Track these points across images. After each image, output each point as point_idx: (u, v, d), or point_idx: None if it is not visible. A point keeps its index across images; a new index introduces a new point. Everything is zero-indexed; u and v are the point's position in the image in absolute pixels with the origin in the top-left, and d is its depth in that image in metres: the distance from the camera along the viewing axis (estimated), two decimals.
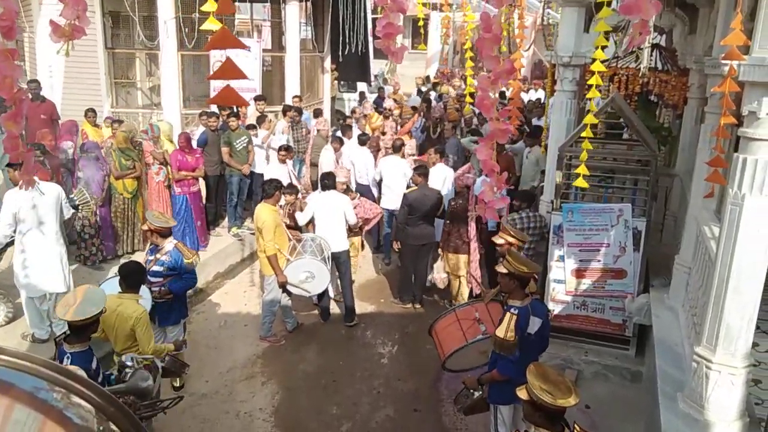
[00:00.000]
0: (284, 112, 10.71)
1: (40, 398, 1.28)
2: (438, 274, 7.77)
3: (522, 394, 3.09)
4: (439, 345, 5.13)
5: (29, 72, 11.75)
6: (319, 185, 7.30)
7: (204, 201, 8.92)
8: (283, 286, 6.69)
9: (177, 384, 5.51)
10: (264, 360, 6.65)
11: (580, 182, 3.78)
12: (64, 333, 4.07)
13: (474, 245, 7.18)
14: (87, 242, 7.48)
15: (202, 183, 8.88)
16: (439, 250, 7.56)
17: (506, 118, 4.05)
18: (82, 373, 2.76)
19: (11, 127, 3.23)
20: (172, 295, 5.42)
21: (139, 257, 6.94)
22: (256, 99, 10.57)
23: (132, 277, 4.74)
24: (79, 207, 7.19)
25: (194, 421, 5.55)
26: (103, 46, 10.60)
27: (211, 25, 2.49)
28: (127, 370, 4.02)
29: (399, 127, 11.26)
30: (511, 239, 5.12)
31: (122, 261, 7.88)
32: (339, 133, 10.53)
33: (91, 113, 9.44)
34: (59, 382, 1.31)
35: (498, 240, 5.21)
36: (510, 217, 6.65)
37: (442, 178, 8.25)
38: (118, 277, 4.84)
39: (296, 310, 7.41)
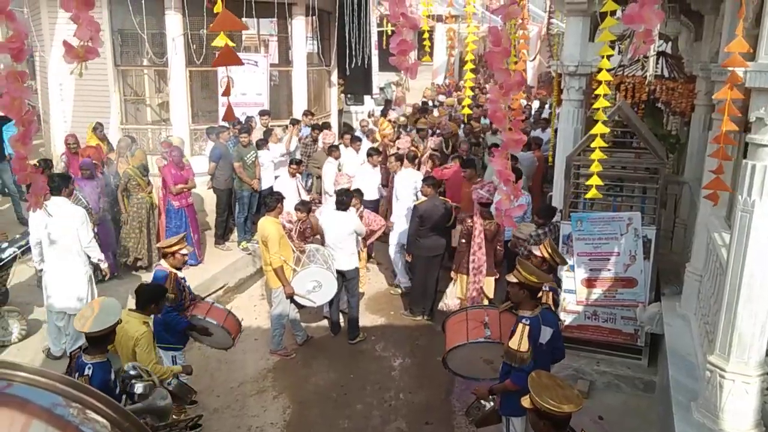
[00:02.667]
0: (293, 124, 10.79)
1: (57, 414, 1.30)
2: (450, 300, 7.27)
3: (526, 402, 3.09)
4: (445, 340, 5.13)
5: (40, 91, 11.90)
6: (335, 202, 7.19)
7: (197, 215, 8.96)
8: (290, 297, 6.69)
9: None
10: (275, 374, 6.65)
11: (593, 193, 3.79)
12: (80, 347, 4.09)
13: (480, 266, 7.05)
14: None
15: (194, 197, 8.95)
16: (452, 274, 7.29)
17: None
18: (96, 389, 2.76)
19: (20, 149, 3.28)
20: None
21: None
22: (261, 114, 10.65)
23: (139, 296, 4.74)
24: None
25: None
26: (112, 64, 10.71)
27: (220, 41, 2.54)
28: (133, 381, 4.02)
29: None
30: (546, 254, 5.09)
31: (132, 274, 8.00)
32: (343, 142, 10.60)
33: (99, 126, 9.51)
34: (75, 398, 1.32)
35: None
36: (534, 231, 6.59)
37: (412, 183, 8.39)
38: None
39: (306, 323, 7.42)
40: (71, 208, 6.20)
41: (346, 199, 7.15)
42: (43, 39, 10.90)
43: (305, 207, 7.37)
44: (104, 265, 6.53)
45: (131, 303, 5.19)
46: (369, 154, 9.56)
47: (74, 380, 1.40)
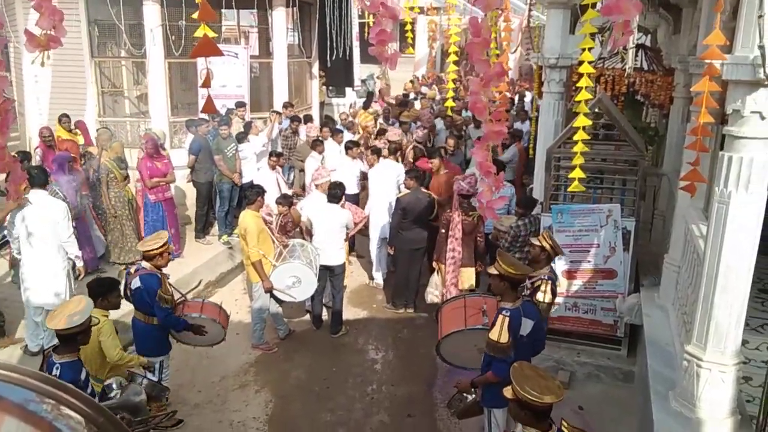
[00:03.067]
0: (275, 114, 10.74)
1: (30, 410, 1.27)
2: (433, 290, 7.30)
3: (508, 393, 3.12)
4: (440, 327, 5.11)
5: (15, 81, 11.68)
6: (327, 195, 7.14)
7: (176, 208, 8.88)
8: (269, 292, 6.65)
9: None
10: (256, 368, 6.62)
11: (576, 187, 3.81)
12: (53, 345, 4.03)
13: (454, 258, 7.08)
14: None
15: (175, 190, 8.87)
16: (434, 264, 7.34)
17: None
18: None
19: None
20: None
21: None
22: (237, 105, 10.53)
23: (91, 291, 4.60)
24: None
25: (187, 431, 5.51)
26: (89, 55, 10.54)
27: (203, 32, 2.52)
28: (113, 394, 3.98)
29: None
30: (546, 244, 5.09)
31: (117, 269, 7.91)
32: (322, 135, 10.52)
33: (65, 118, 9.38)
34: (49, 393, 1.29)
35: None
36: (514, 223, 6.60)
37: (395, 175, 8.42)
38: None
39: (288, 317, 7.39)
40: (51, 201, 6.09)
41: (339, 192, 7.14)
42: (17, 30, 10.67)
43: (286, 200, 7.32)
44: (80, 264, 6.38)
45: None
46: (348, 147, 9.52)
47: (48, 376, 1.37)
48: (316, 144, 9.67)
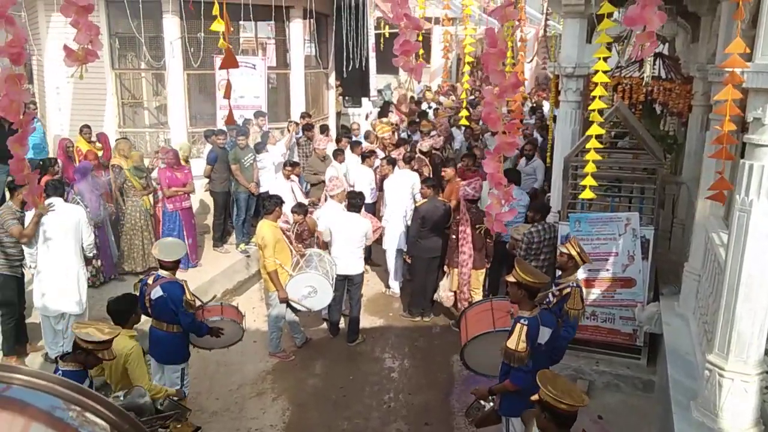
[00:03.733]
0: (294, 124, 10.84)
1: (56, 417, 1.30)
2: (444, 293, 7.66)
3: (534, 397, 3.17)
4: (465, 330, 5.04)
5: (38, 94, 11.88)
6: (346, 205, 7.21)
7: (194, 218, 8.95)
8: (284, 301, 6.67)
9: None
10: (274, 376, 6.64)
11: (587, 194, 3.79)
12: (65, 352, 4.06)
13: (465, 260, 7.12)
14: (87, 263, 7.18)
15: (194, 199, 8.95)
16: (446, 267, 7.46)
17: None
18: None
19: (17, 150, 3.30)
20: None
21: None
22: (256, 115, 10.63)
23: (120, 313, 4.57)
24: None
25: None
26: (110, 67, 10.71)
27: (223, 45, 2.59)
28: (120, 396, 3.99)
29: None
30: (573, 252, 5.00)
31: (133, 277, 7.99)
32: (341, 146, 10.58)
33: (86, 129, 9.53)
34: (74, 400, 1.32)
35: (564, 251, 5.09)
36: (527, 229, 6.60)
37: (409, 184, 8.42)
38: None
39: (305, 325, 7.41)
40: (69, 207, 6.19)
41: (358, 201, 7.20)
42: (40, 43, 10.90)
43: (302, 209, 7.37)
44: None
45: None
46: (364, 156, 9.55)
47: (74, 383, 1.39)
48: (337, 154, 9.72)
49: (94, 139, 9.48)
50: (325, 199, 8.35)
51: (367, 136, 11.61)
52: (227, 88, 3.15)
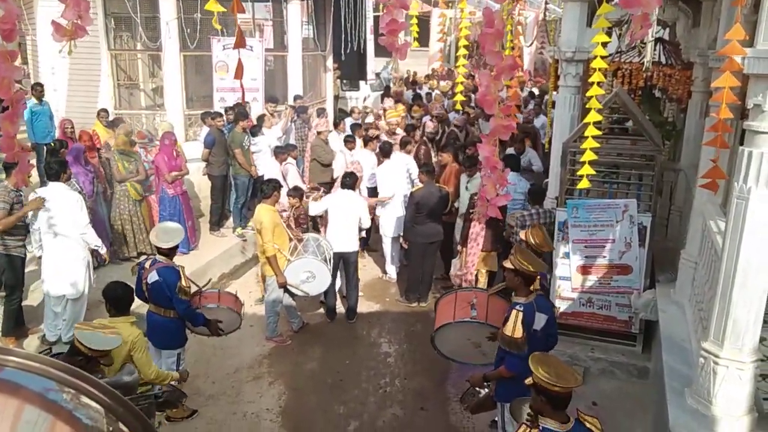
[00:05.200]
0: (291, 108, 10.80)
1: (50, 399, 1.28)
2: (454, 271, 7.64)
3: (528, 380, 3.17)
4: (436, 321, 5.15)
5: (32, 74, 11.78)
6: (340, 183, 7.30)
7: (191, 201, 8.91)
8: (283, 286, 6.67)
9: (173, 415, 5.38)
10: (270, 360, 6.66)
11: (584, 183, 3.78)
12: (59, 353, 4.00)
13: (476, 234, 7.12)
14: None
15: (191, 183, 8.90)
16: (459, 247, 7.45)
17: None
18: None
19: (8, 127, 3.26)
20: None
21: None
22: (268, 101, 10.61)
23: (121, 301, 4.50)
24: None
25: (201, 422, 5.56)
26: (105, 48, 10.61)
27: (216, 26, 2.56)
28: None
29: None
30: (532, 240, 5.03)
31: (127, 261, 7.98)
32: (340, 129, 10.55)
33: (103, 113, 9.49)
34: (69, 383, 1.30)
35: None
36: (519, 213, 6.62)
37: (404, 169, 8.41)
38: None
39: (302, 309, 7.42)
40: (68, 193, 6.15)
41: (349, 180, 7.28)
42: (34, 22, 10.78)
43: (297, 192, 7.36)
44: (103, 250, 6.50)
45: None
46: (367, 140, 9.51)
47: (68, 365, 1.38)
48: (347, 140, 9.72)
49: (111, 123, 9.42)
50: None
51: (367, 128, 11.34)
52: (238, 68, 3.10)
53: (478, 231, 7.01)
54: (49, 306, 6.26)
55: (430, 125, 10.86)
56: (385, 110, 12.20)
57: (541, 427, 3.07)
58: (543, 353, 3.31)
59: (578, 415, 3.15)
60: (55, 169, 6.13)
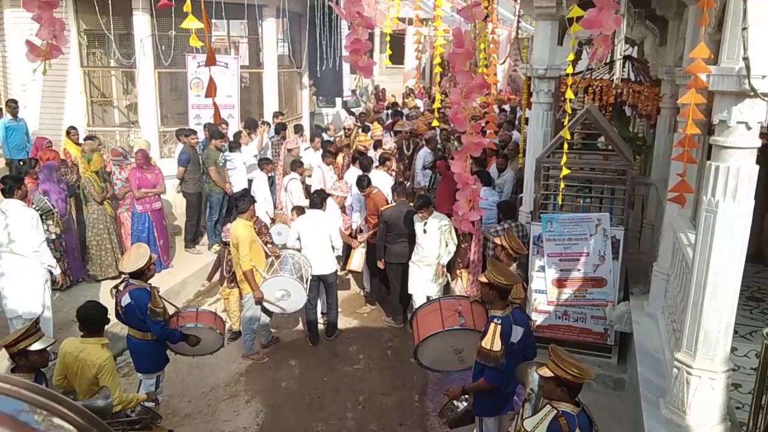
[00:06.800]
0: (264, 125, 10.77)
1: (21, 420, 1.26)
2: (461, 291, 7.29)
3: (545, 371, 3.37)
4: (416, 332, 5.10)
5: (3, 90, 11.60)
6: (309, 202, 7.16)
7: (165, 220, 8.82)
8: (259, 302, 6.61)
9: None
10: (247, 378, 6.58)
11: (559, 199, 3.84)
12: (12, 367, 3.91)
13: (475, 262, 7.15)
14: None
15: (165, 200, 8.82)
16: (457, 272, 7.28)
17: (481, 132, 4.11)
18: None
19: None
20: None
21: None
22: (275, 115, 10.72)
23: (93, 322, 4.37)
24: (43, 216, 6.87)
25: None
26: (78, 64, 10.51)
27: (194, 43, 2.56)
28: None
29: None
30: (505, 243, 5.17)
31: (101, 280, 7.85)
32: (313, 146, 10.56)
33: (73, 131, 9.36)
34: (41, 404, 1.28)
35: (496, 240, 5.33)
36: (493, 228, 6.68)
37: (387, 186, 8.26)
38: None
39: (279, 326, 7.36)
40: (23, 211, 6.00)
41: (318, 198, 7.12)
42: (5, 39, 10.65)
43: (300, 212, 7.37)
44: (56, 272, 6.29)
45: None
46: (354, 158, 9.47)
47: (41, 387, 1.36)
48: (326, 156, 9.72)
49: (81, 141, 9.30)
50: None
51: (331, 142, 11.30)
52: (210, 87, 3.09)
53: (476, 253, 7.05)
54: (11, 326, 6.05)
55: (388, 141, 10.90)
56: (346, 128, 12.11)
57: (560, 411, 3.33)
58: (557, 347, 3.45)
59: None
60: (9, 185, 5.97)
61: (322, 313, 7.55)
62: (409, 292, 7.23)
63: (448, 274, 7.35)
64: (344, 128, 11.83)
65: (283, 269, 6.62)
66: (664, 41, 7.34)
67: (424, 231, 6.97)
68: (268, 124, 11.00)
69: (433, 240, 6.94)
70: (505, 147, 9.94)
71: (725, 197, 3.71)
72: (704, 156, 5.00)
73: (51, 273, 6.25)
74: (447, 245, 7.00)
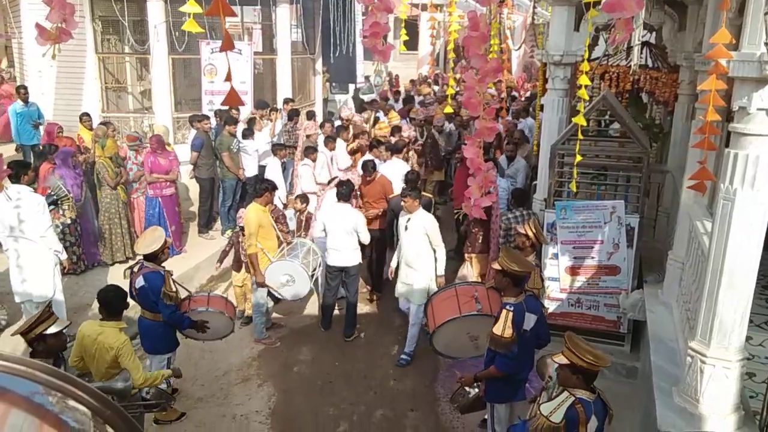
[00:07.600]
0: (276, 112, 10.77)
1: (36, 402, 1.27)
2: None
3: (560, 358, 3.39)
4: (432, 318, 5.08)
5: (19, 77, 11.69)
6: (335, 194, 6.91)
7: (179, 205, 8.81)
8: (261, 286, 6.59)
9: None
10: (259, 362, 6.64)
11: (573, 185, 3.81)
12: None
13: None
14: (68, 250, 6.98)
15: (179, 186, 8.85)
16: (465, 256, 7.01)
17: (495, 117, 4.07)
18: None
19: None
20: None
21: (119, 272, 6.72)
22: (285, 101, 10.74)
23: (112, 305, 4.42)
24: (59, 202, 7.00)
25: (190, 425, 5.53)
26: (93, 51, 10.56)
27: (188, 28, 2.52)
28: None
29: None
30: (530, 232, 5.19)
31: (115, 264, 7.92)
32: (325, 132, 10.50)
33: (86, 117, 9.40)
34: (55, 386, 1.30)
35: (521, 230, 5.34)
36: (505, 216, 6.64)
37: (401, 175, 8.09)
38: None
39: (291, 312, 7.39)
40: (30, 196, 6.03)
41: (345, 189, 6.84)
42: (21, 26, 10.71)
43: (304, 199, 7.35)
44: (63, 256, 6.32)
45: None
46: (372, 146, 9.26)
47: (55, 369, 1.37)
48: (328, 141, 9.62)
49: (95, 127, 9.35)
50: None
51: (346, 127, 11.22)
52: (229, 71, 3.07)
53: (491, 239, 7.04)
54: (25, 309, 6.14)
55: (407, 129, 10.80)
56: (343, 119, 11.94)
57: (577, 397, 3.37)
58: (573, 335, 3.47)
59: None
60: (16, 171, 6.00)
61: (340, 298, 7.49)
62: (395, 295, 6.98)
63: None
64: (341, 118, 11.56)
65: (291, 256, 6.63)
66: (683, 26, 7.22)
67: (406, 228, 6.38)
68: (279, 110, 10.98)
69: (415, 239, 6.31)
70: (511, 135, 9.85)
71: (743, 185, 3.66)
72: (722, 143, 4.93)
73: (58, 257, 6.29)
74: (435, 251, 6.39)
